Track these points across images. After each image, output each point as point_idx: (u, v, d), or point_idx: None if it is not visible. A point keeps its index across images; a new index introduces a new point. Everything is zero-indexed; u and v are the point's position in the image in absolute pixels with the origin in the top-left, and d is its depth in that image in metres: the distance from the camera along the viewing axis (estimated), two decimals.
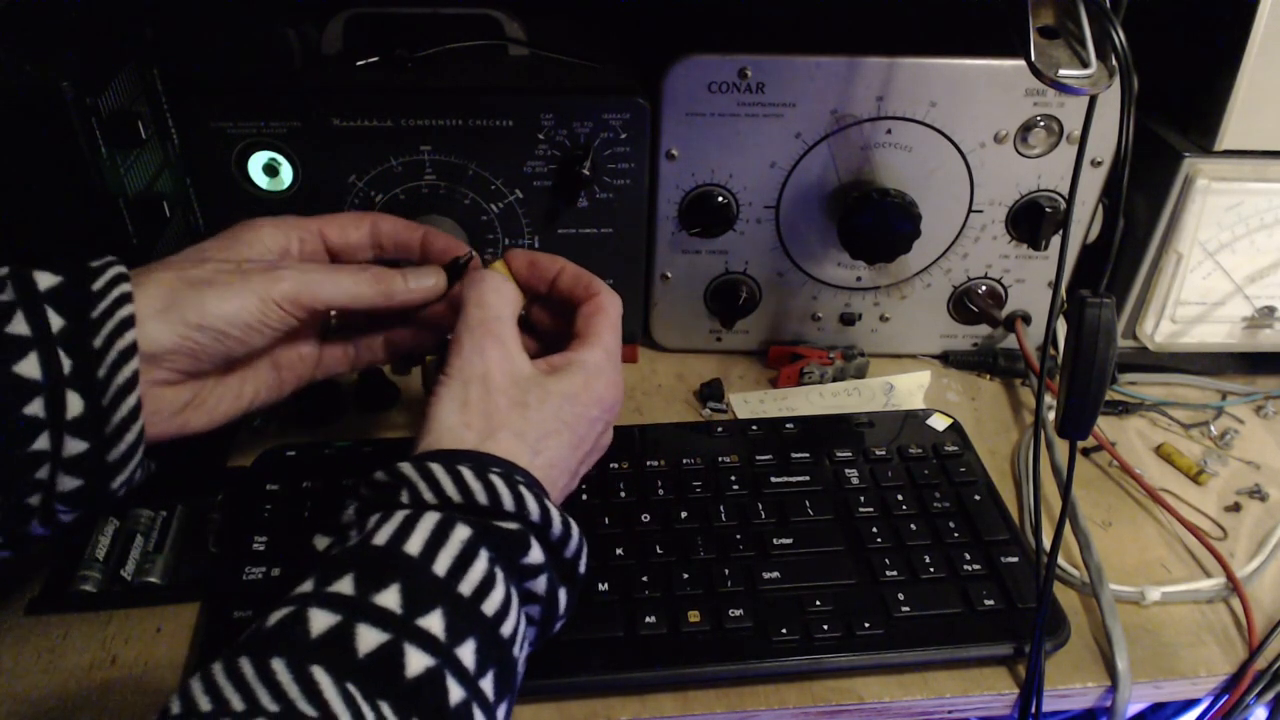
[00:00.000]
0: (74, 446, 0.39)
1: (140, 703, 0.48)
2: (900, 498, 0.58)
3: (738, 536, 0.55)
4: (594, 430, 0.45)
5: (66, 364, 0.39)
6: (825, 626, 0.50)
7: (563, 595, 0.41)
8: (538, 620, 0.41)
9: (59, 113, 0.47)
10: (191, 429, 0.45)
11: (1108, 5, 0.47)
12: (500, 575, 0.37)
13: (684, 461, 0.59)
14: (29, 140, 0.48)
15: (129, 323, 0.40)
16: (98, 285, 0.40)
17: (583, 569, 0.43)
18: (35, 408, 0.38)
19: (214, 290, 0.42)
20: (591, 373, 0.45)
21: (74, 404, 0.39)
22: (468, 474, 0.38)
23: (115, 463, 0.40)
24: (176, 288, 0.42)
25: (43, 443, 0.38)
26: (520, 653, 0.38)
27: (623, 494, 0.57)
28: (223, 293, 0.42)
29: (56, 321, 0.39)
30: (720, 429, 0.63)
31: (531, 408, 0.43)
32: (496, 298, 0.45)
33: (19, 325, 0.38)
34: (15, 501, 0.39)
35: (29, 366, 0.38)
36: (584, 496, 0.57)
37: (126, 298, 0.40)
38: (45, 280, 0.40)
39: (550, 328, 0.51)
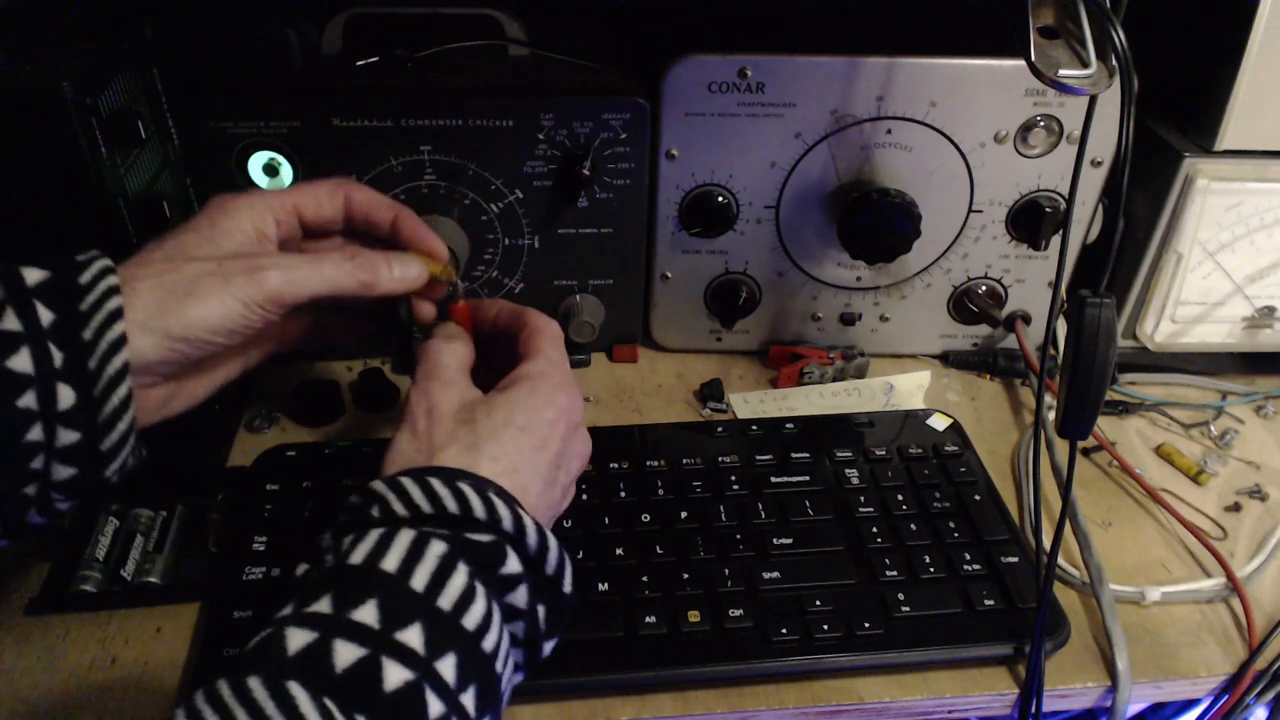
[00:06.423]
0: (67, 437, 0.39)
1: (140, 703, 0.48)
2: (900, 498, 0.58)
3: (738, 536, 0.55)
4: (556, 432, 0.45)
5: (58, 357, 0.39)
6: (825, 626, 0.50)
7: (542, 612, 0.41)
8: (521, 640, 0.40)
9: (59, 113, 0.47)
10: (173, 414, 0.46)
11: (1108, 5, 0.47)
12: (480, 589, 0.37)
13: (684, 461, 0.59)
14: (29, 140, 0.48)
15: (117, 314, 0.40)
16: (85, 279, 0.40)
17: (567, 588, 0.42)
18: (28, 400, 0.38)
19: (196, 299, 0.42)
20: (536, 379, 0.46)
21: (65, 396, 0.39)
22: (437, 484, 0.39)
23: (108, 451, 0.41)
24: (160, 298, 0.42)
25: (36, 434, 0.39)
26: (504, 670, 0.38)
27: (623, 494, 0.57)
28: (205, 300, 0.43)
29: (46, 316, 0.39)
30: (720, 429, 0.63)
31: (480, 421, 0.43)
32: (440, 355, 0.47)
33: (10, 321, 0.38)
34: (12, 491, 0.39)
35: (21, 361, 0.38)
36: (584, 496, 0.57)
37: (114, 290, 0.41)
38: (33, 276, 0.40)
39: (502, 366, 0.51)
